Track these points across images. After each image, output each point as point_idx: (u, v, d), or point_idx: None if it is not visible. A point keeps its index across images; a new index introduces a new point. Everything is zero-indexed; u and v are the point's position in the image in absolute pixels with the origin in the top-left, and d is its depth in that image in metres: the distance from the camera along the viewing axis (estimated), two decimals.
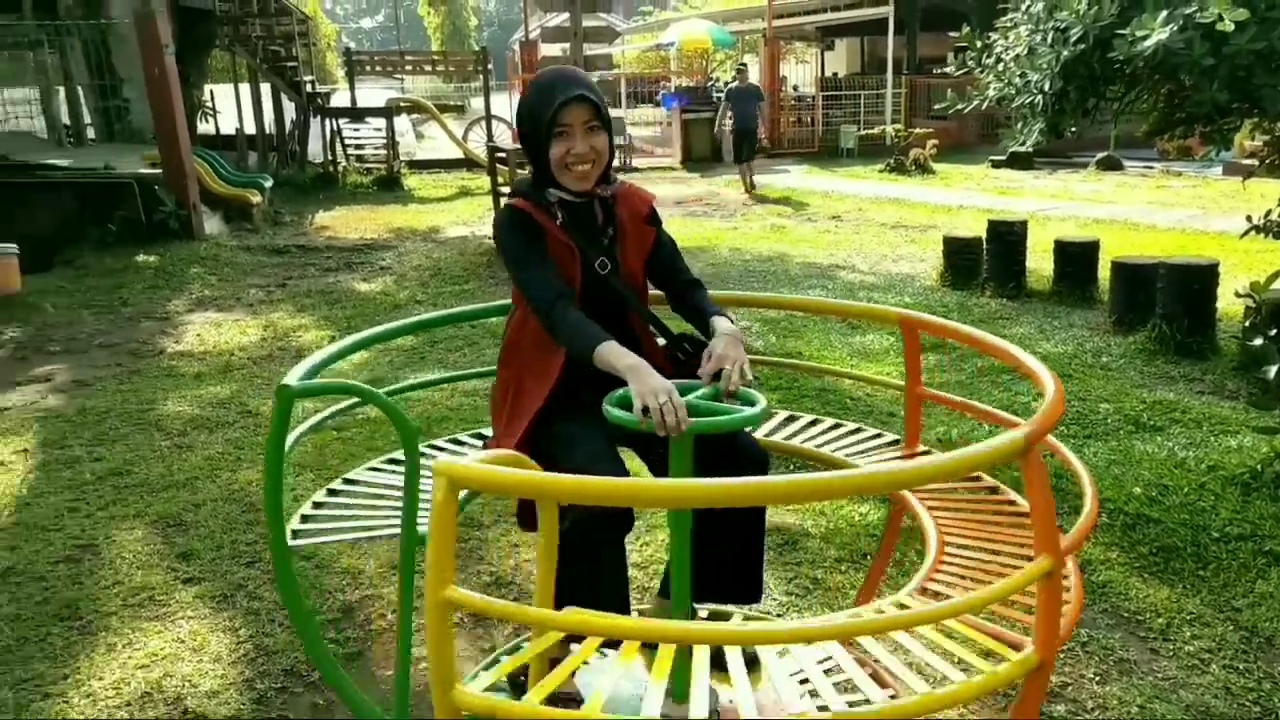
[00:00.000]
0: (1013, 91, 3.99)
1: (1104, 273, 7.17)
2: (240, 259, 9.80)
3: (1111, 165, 16.00)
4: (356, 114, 17.62)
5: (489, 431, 2.65)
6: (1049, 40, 3.70)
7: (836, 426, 2.84)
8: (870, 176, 16.23)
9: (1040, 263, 7.88)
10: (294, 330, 7.10)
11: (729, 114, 14.72)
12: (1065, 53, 3.57)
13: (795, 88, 24.17)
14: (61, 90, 14.25)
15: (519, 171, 9.36)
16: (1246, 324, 3.89)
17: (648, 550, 3.55)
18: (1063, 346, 6.08)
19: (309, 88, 16.84)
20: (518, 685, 2.36)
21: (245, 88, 16.38)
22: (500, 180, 10.72)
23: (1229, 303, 5.92)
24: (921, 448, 2.70)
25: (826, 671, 1.77)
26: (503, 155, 10.69)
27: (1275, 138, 4.35)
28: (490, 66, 19.71)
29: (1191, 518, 3.64)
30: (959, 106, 4.35)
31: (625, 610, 2.22)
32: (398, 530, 2.17)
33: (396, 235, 11.36)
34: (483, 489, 1.62)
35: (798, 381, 5.29)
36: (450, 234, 11.39)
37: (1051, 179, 15.39)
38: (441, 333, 6.42)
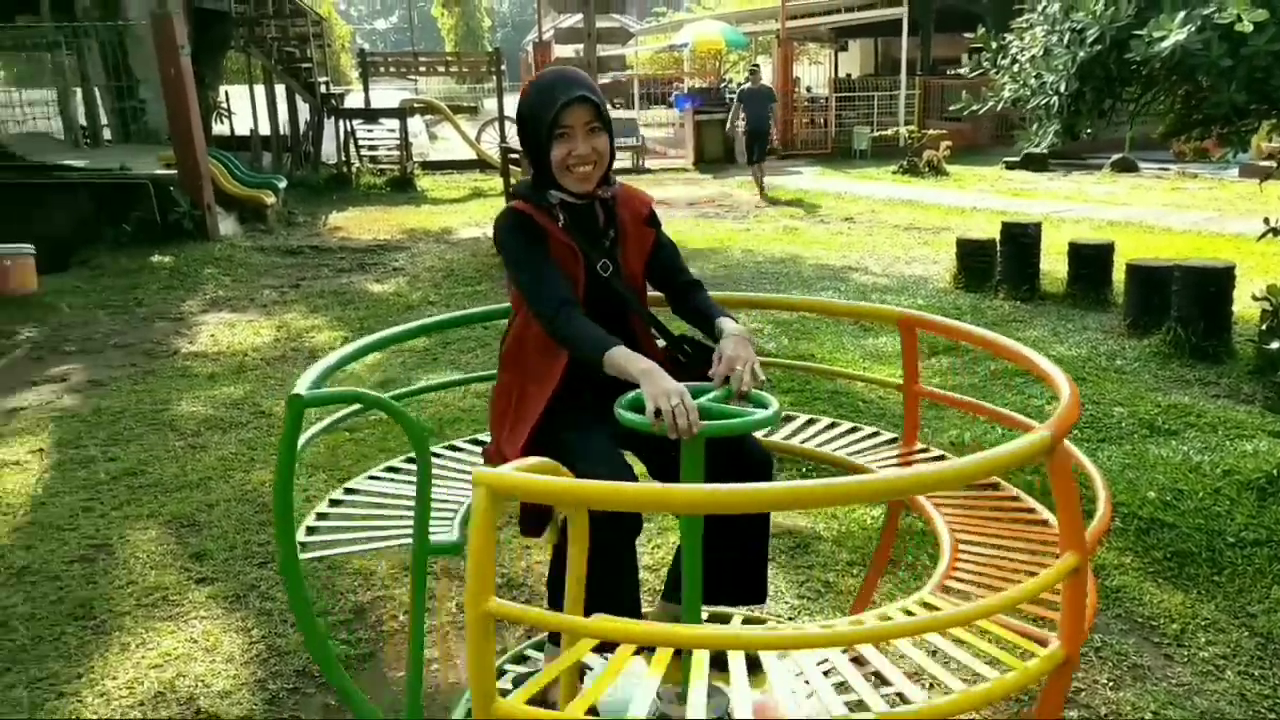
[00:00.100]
0: (1028, 93, 3.97)
1: (1119, 275, 7.12)
2: (254, 260, 9.85)
3: (1126, 167, 15.91)
4: (370, 115, 17.66)
5: (486, 437, 2.63)
6: (1065, 41, 3.68)
7: (833, 426, 2.84)
8: (883, 178, 16.18)
9: (1054, 265, 7.83)
10: (307, 331, 7.13)
11: (741, 115, 14.71)
12: (1081, 54, 3.56)
13: (809, 89, 24.13)
14: (78, 91, 14.37)
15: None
16: (1263, 327, 3.86)
17: (659, 553, 3.54)
18: (1077, 349, 6.04)
19: (323, 89, 16.90)
20: (518, 683, 2.37)
21: (260, 89, 16.45)
22: (513, 181, 10.75)
23: (1245, 306, 5.86)
24: (919, 446, 2.70)
25: (853, 677, 1.75)
26: (516, 156, 10.71)
27: None
28: (504, 68, 19.79)
29: (1206, 523, 3.62)
30: (973, 108, 4.33)
31: (638, 613, 2.22)
32: (409, 539, 2.17)
33: (409, 236, 11.40)
34: (525, 498, 1.60)
35: (810, 384, 5.28)
36: (463, 235, 11.41)
37: (1066, 181, 15.31)
38: (454, 334, 6.43)
